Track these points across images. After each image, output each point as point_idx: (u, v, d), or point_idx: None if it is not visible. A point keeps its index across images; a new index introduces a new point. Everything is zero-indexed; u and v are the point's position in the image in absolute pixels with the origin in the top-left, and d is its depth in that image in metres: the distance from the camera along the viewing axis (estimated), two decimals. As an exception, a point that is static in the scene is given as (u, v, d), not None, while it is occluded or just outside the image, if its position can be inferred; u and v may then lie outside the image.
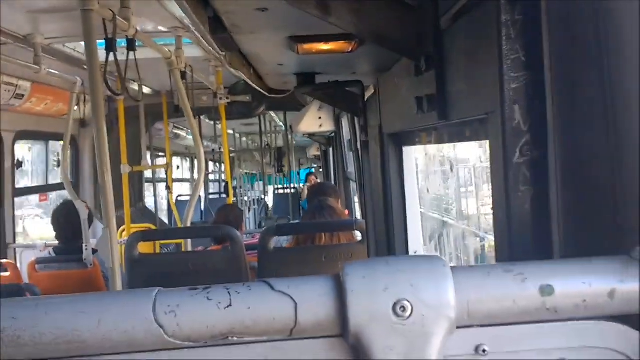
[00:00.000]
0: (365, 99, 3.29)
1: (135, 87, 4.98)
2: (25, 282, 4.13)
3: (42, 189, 6.81)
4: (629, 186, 0.88)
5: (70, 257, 4.35)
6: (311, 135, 9.30)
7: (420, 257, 0.81)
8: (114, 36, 2.69)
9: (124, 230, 5.49)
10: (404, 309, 0.76)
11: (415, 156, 2.90)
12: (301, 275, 0.82)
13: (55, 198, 6.92)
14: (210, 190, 12.49)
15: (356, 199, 6.48)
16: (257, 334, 0.79)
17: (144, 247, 4.10)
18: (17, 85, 4.44)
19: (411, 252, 2.83)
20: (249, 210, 12.85)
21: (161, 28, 3.69)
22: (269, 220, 10.90)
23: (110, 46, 2.69)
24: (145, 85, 5.80)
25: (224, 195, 6.70)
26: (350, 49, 2.42)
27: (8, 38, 3.39)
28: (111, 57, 2.70)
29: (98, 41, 2.66)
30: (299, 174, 17.11)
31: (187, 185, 13.51)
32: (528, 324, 0.81)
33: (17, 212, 5.47)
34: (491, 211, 1.25)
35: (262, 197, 14.47)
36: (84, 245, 4.35)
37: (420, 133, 2.37)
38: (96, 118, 2.66)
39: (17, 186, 5.51)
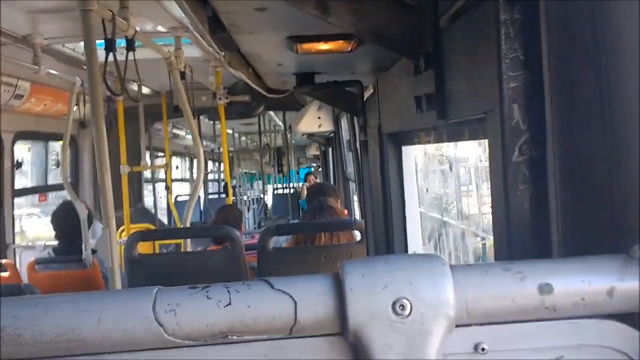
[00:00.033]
0: (365, 98, 3.29)
1: (135, 87, 4.99)
2: (25, 283, 4.13)
3: (42, 190, 6.81)
4: (627, 185, 0.88)
5: (70, 257, 4.35)
6: (310, 136, 9.30)
7: (419, 256, 0.81)
8: (113, 36, 2.69)
9: (123, 231, 5.49)
10: (403, 307, 0.76)
11: (414, 155, 2.90)
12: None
13: (53, 198, 6.92)
14: (210, 190, 12.49)
15: (355, 199, 6.48)
16: (257, 333, 0.79)
17: (143, 248, 4.10)
18: (16, 86, 4.44)
19: (410, 252, 2.83)
20: (248, 210, 12.85)
21: (160, 28, 3.69)
22: (268, 220, 10.90)
23: (110, 46, 2.69)
24: (145, 86, 5.80)
25: (223, 195, 6.71)
26: (349, 49, 2.42)
27: (7, 38, 3.40)
28: (110, 58, 2.70)
29: (97, 41, 2.66)
30: (298, 173, 17.12)
31: (186, 185, 13.51)
32: (527, 323, 0.81)
33: (14, 212, 5.47)
34: (491, 210, 1.25)
35: (262, 196, 14.47)
36: (83, 245, 4.35)
37: (419, 132, 2.37)
38: (95, 118, 2.66)
39: (16, 187, 5.51)
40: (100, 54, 2.67)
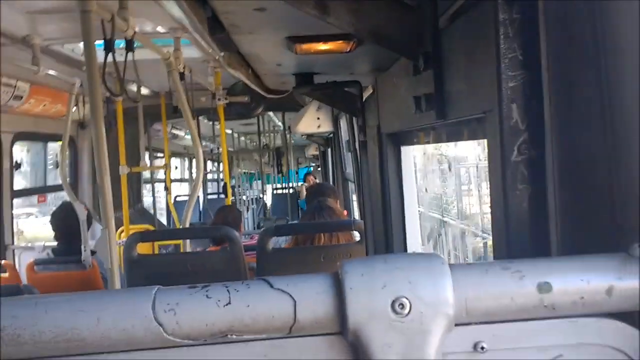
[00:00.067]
0: (364, 99, 3.29)
1: (134, 88, 4.99)
2: (24, 283, 4.13)
3: (41, 190, 6.80)
4: (626, 184, 0.88)
5: (69, 258, 4.35)
6: (309, 136, 9.30)
7: (418, 255, 0.81)
8: (113, 37, 2.69)
9: (122, 231, 5.49)
10: (402, 306, 0.77)
11: (413, 154, 2.90)
12: None
13: (52, 199, 6.92)
14: (209, 190, 12.49)
15: (355, 199, 6.48)
16: (256, 332, 0.79)
17: (142, 248, 4.10)
18: (15, 87, 4.44)
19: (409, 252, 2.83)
20: (247, 210, 12.85)
21: (160, 29, 3.69)
22: (268, 221, 10.90)
23: (109, 47, 2.69)
24: (144, 86, 5.80)
25: (222, 196, 6.70)
26: (348, 49, 2.42)
27: (6, 39, 3.39)
28: (110, 58, 2.70)
29: (96, 42, 2.66)
30: (297, 173, 17.13)
31: (185, 185, 13.51)
32: (526, 321, 0.81)
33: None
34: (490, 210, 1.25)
35: (261, 196, 14.47)
36: (82, 246, 4.35)
37: (419, 132, 2.37)
38: (95, 119, 2.66)
39: (15, 188, 5.51)
40: (100, 54, 2.67)
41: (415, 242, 2.87)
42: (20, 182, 6.25)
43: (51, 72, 4.12)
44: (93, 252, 4.40)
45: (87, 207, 4.76)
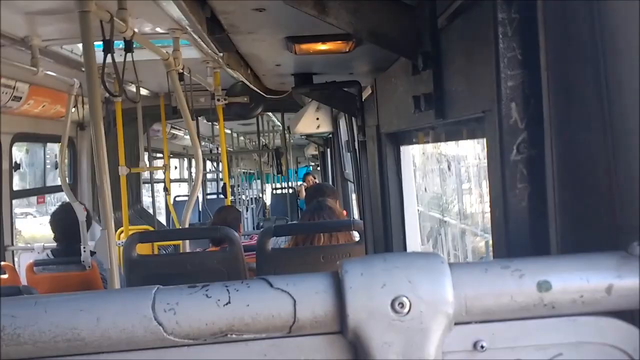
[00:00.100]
0: (363, 99, 3.30)
1: (133, 88, 4.99)
2: (24, 285, 4.13)
3: (40, 191, 6.80)
4: (625, 183, 0.88)
5: (69, 259, 4.35)
6: (309, 137, 9.31)
7: (417, 254, 0.81)
8: (112, 38, 2.69)
9: (122, 232, 5.49)
10: (402, 305, 0.77)
11: (412, 153, 2.90)
12: None
13: (51, 200, 6.92)
14: (208, 190, 12.49)
15: (354, 200, 6.48)
16: (256, 331, 0.79)
17: (141, 249, 4.10)
18: (14, 87, 4.44)
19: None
20: (247, 210, 12.86)
21: (158, 29, 3.69)
22: (267, 221, 10.91)
23: (108, 48, 2.69)
24: (143, 87, 5.81)
25: (221, 196, 6.70)
26: (347, 49, 2.42)
27: (6, 40, 3.40)
28: (109, 59, 2.71)
29: (95, 43, 2.66)
30: (296, 172, 17.15)
31: (184, 185, 13.51)
32: (526, 320, 0.81)
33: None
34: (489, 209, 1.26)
35: (260, 195, 14.48)
36: (82, 247, 4.35)
37: (418, 132, 2.37)
38: (94, 120, 2.66)
39: (14, 189, 5.51)
40: (99, 55, 2.67)
41: (414, 242, 2.88)
42: (19, 183, 6.25)
43: (50, 73, 4.12)
44: (92, 253, 4.41)
45: (87, 208, 4.77)
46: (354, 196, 6.39)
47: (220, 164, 9.84)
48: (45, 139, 6.27)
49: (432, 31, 1.56)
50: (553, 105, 1.03)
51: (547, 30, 1.04)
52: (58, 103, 5.25)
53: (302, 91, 3.51)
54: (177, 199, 10.54)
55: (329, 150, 10.06)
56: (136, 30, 3.11)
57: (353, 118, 3.65)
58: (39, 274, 4.26)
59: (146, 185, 8.21)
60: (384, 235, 2.89)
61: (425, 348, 0.77)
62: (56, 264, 4.36)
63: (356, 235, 3.75)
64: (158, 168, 7.09)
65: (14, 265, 4.97)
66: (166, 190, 6.69)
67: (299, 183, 14.06)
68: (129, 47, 3.05)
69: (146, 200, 8.28)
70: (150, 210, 7.85)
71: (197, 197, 8.79)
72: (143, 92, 5.93)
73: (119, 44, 3.01)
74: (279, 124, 11.08)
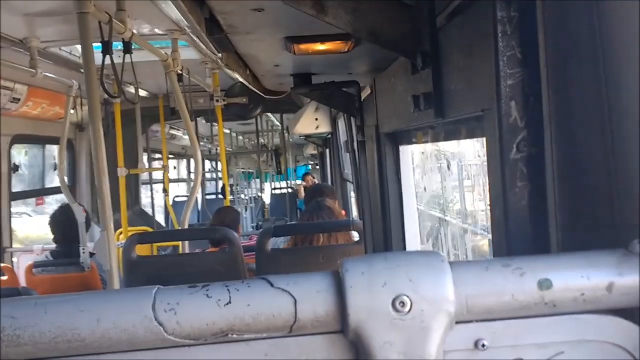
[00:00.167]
0: (362, 99, 3.29)
1: (132, 89, 4.98)
2: (23, 286, 4.12)
3: (39, 193, 6.80)
4: (625, 181, 0.88)
5: (68, 260, 4.35)
6: (307, 137, 9.31)
7: (418, 253, 0.81)
8: (110, 39, 2.69)
9: (121, 233, 5.49)
10: (403, 304, 0.76)
11: (411, 149, 2.89)
12: None
13: (50, 201, 6.91)
14: (207, 190, 12.48)
15: (353, 200, 6.48)
16: (257, 331, 0.79)
17: (140, 249, 4.09)
18: (13, 89, 4.44)
19: (409, 252, 2.81)
20: (246, 209, 12.86)
21: (157, 30, 3.69)
22: (266, 221, 10.91)
23: (107, 49, 2.69)
24: (142, 88, 5.80)
25: (220, 196, 6.70)
26: (346, 49, 2.42)
27: (4, 41, 3.39)
28: (107, 60, 2.70)
29: (94, 44, 2.66)
30: (295, 171, 17.16)
31: (183, 185, 13.50)
32: (527, 319, 0.81)
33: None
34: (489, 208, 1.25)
35: (259, 194, 14.48)
36: (81, 248, 4.35)
37: (417, 132, 2.37)
38: (93, 121, 2.66)
39: (13, 190, 5.50)
40: (97, 56, 2.66)
41: (414, 242, 2.87)
42: (18, 184, 6.24)
43: (49, 74, 4.11)
44: (92, 254, 4.40)
45: (86, 209, 4.76)
46: (352, 196, 6.39)
47: (219, 163, 9.83)
48: (44, 141, 6.27)
49: (431, 30, 1.55)
50: (553, 103, 1.03)
51: (547, 28, 1.04)
52: (57, 104, 5.25)
53: (301, 91, 3.51)
54: (176, 199, 10.53)
55: (327, 150, 10.05)
56: (135, 31, 3.11)
57: (352, 118, 3.65)
58: (38, 275, 4.26)
59: (144, 185, 8.21)
60: (383, 235, 2.88)
61: (426, 347, 0.77)
62: (55, 266, 4.36)
63: (355, 236, 3.75)
64: (157, 169, 7.09)
65: (12, 266, 4.96)
66: (165, 191, 6.68)
67: (298, 182, 14.06)
68: (127, 49, 3.04)
69: (145, 200, 8.28)
70: (149, 211, 7.85)
71: (196, 197, 8.78)
72: (142, 93, 5.93)
73: (117, 45, 3.01)
74: (277, 123, 11.09)
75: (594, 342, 0.81)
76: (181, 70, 4.13)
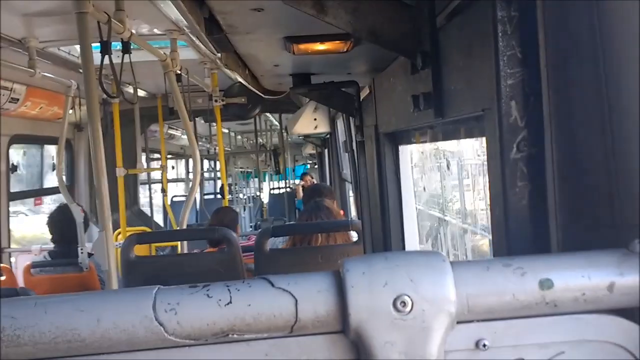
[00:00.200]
0: (361, 99, 3.29)
1: (131, 90, 4.98)
2: (21, 286, 4.12)
3: (38, 193, 6.79)
4: (626, 181, 0.88)
5: (66, 260, 4.34)
6: (306, 137, 9.30)
7: (419, 252, 0.81)
8: (109, 39, 2.68)
9: (119, 233, 5.48)
10: (404, 304, 0.76)
11: (410, 149, 2.89)
12: None
13: (49, 202, 6.90)
14: (205, 190, 12.47)
15: (352, 200, 6.48)
16: (258, 331, 0.78)
17: (139, 250, 4.09)
18: (11, 89, 4.43)
19: (408, 252, 2.81)
20: (244, 209, 12.85)
21: (156, 30, 3.69)
22: (265, 221, 10.91)
23: (105, 49, 2.68)
24: (141, 88, 5.80)
25: (219, 196, 6.69)
26: (345, 49, 2.42)
27: (3, 41, 3.39)
28: (106, 60, 2.70)
29: (93, 44, 2.65)
30: (294, 170, 17.16)
31: (181, 184, 13.49)
32: (528, 318, 0.81)
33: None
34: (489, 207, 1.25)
35: (258, 194, 14.47)
36: (79, 248, 4.34)
37: (416, 132, 2.37)
38: (91, 121, 2.65)
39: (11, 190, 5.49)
40: (96, 56, 2.66)
41: (413, 242, 2.87)
42: (16, 185, 6.23)
43: (47, 74, 4.11)
44: (90, 255, 4.40)
45: (84, 210, 4.76)
46: (351, 196, 6.39)
47: (217, 162, 9.83)
48: (42, 141, 6.27)
49: (431, 30, 1.55)
50: (553, 103, 1.03)
51: (547, 28, 1.04)
52: (55, 104, 5.24)
53: (300, 91, 3.51)
54: (175, 199, 10.53)
55: (326, 150, 10.06)
56: (134, 31, 3.10)
57: (351, 118, 3.65)
58: (36, 275, 4.25)
59: (143, 185, 8.20)
60: (383, 235, 2.88)
61: (427, 347, 0.77)
62: (54, 266, 4.36)
63: (354, 236, 3.74)
64: (155, 169, 7.09)
65: (10, 267, 4.96)
66: (164, 191, 6.68)
67: (297, 182, 14.05)
68: (126, 49, 3.04)
69: (143, 200, 8.27)
70: (148, 211, 7.84)
71: (195, 197, 8.78)
72: (140, 93, 5.92)
73: (116, 45, 3.00)
74: (276, 123, 11.09)
75: (594, 342, 0.81)
76: (180, 70, 4.12)
